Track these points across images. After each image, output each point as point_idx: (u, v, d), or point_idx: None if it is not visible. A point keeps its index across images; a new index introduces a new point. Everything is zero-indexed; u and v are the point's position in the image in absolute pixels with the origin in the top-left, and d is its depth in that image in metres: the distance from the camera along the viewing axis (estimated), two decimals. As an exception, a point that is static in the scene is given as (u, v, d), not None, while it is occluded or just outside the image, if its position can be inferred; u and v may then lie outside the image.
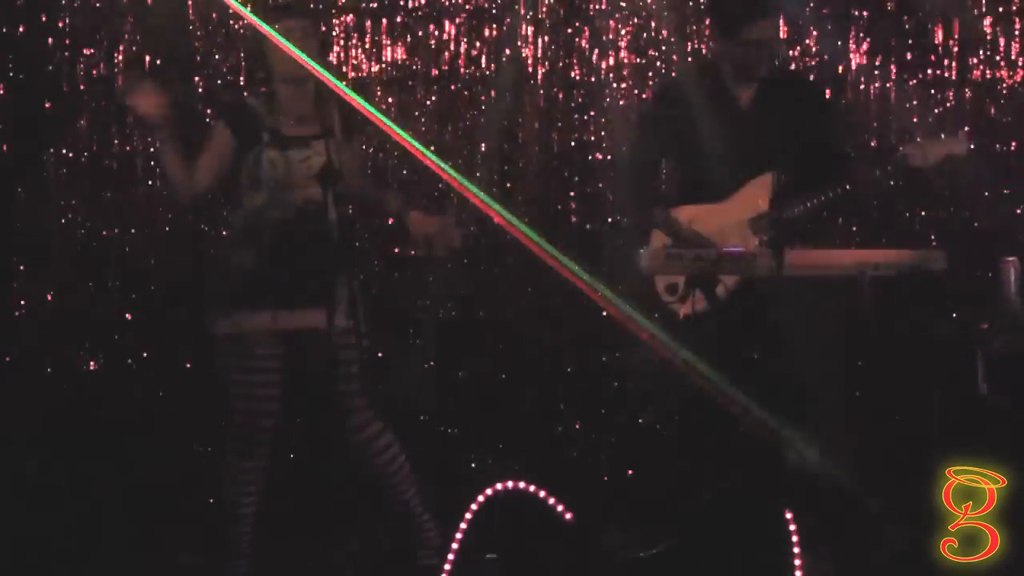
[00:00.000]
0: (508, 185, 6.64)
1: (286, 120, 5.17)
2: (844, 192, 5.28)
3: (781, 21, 5.48)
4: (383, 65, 6.63)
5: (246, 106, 5.23)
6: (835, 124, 5.78)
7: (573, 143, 6.69)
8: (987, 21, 6.60)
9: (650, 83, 6.58)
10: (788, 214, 5.29)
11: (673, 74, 6.52)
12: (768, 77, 5.45)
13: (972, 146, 5.65)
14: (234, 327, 5.09)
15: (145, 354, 6.40)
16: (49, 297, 6.39)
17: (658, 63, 6.62)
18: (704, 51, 6.53)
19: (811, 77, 6.49)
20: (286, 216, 5.10)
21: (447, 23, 6.63)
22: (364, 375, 5.08)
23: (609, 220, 6.58)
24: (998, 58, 6.67)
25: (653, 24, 6.59)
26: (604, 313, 5.26)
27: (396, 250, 6.49)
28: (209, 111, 6.30)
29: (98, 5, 6.42)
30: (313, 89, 5.16)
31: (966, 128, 6.36)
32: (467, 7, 6.64)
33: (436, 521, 5.31)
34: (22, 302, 6.38)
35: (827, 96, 6.14)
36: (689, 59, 6.58)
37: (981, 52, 6.65)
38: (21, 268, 6.39)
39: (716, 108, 5.37)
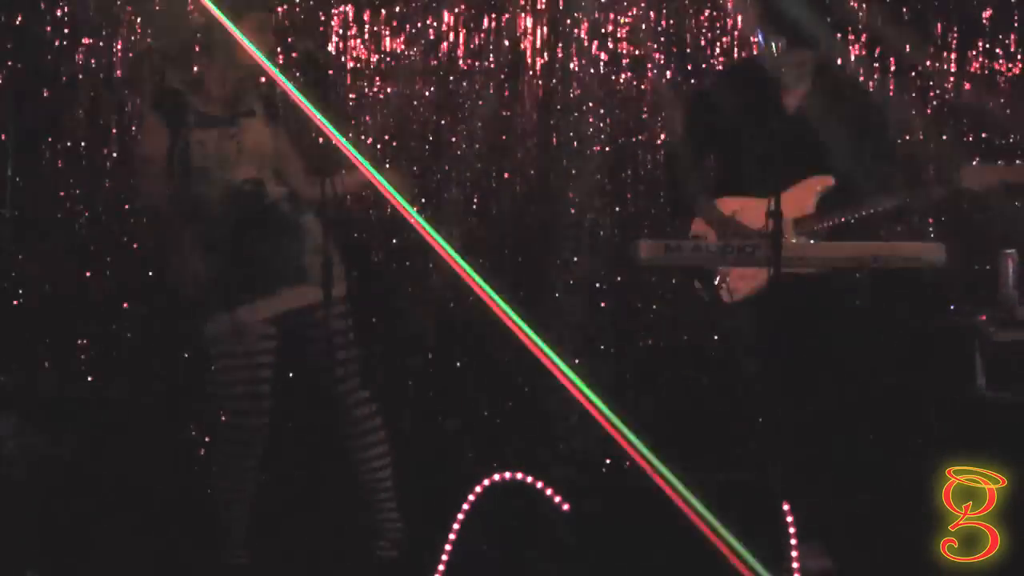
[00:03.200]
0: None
1: (212, 100, 5.06)
2: (895, 208, 5.30)
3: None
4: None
5: (172, 90, 5.11)
6: (884, 130, 5.71)
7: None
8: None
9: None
10: (834, 221, 5.27)
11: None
12: (818, 81, 5.42)
13: None
14: (211, 326, 5.04)
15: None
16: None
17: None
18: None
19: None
20: (223, 197, 5.00)
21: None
22: (336, 350, 4.96)
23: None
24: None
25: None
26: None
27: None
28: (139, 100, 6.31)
29: None
30: (239, 69, 5.03)
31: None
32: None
33: (403, 521, 5.24)
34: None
35: (878, 102, 6.12)
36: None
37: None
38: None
39: (762, 108, 5.34)
